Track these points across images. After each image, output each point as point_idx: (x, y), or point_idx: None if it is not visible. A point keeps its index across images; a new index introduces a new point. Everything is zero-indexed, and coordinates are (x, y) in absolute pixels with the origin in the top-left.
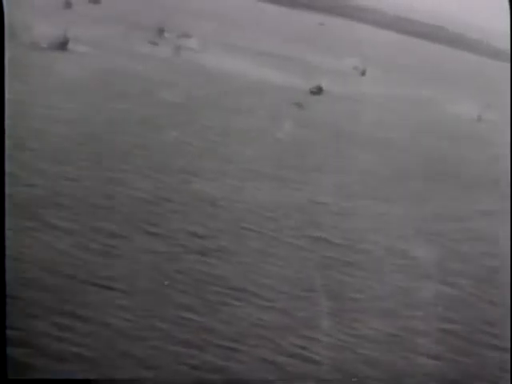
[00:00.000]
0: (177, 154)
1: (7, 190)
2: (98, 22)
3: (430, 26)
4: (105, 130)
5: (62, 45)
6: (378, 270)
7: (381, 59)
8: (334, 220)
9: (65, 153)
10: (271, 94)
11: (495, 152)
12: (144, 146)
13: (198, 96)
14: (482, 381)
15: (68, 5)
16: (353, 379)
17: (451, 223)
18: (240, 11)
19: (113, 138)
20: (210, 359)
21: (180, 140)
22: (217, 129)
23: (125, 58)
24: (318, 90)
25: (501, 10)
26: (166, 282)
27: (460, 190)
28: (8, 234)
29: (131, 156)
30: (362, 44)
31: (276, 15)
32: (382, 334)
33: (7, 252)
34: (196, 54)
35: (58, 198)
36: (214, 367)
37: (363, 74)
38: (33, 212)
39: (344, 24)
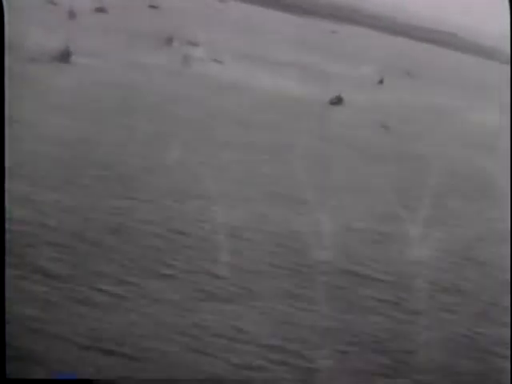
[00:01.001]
0: (192, 176)
1: None
2: (104, 33)
3: (441, 33)
4: (109, 150)
5: (65, 57)
6: (428, 312)
7: (397, 66)
8: (372, 249)
9: (61, 178)
10: (289, 106)
11: None
12: (153, 169)
13: (213, 110)
14: None
15: (72, 15)
16: None
17: (502, 247)
18: (250, 19)
19: (118, 160)
20: None
21: (195, 160)
22: (235, 146)
23: (132, 70)
24: (338, 101)
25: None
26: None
27: (498, 208)
28: None
29: (139, 181)
30: (377, 51)
31: (286, 23)
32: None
33: None
34: (207, 65)
35: (50, 235)
36: None
37: (381, 82)
38: (18, 254)
39: (356, 31)
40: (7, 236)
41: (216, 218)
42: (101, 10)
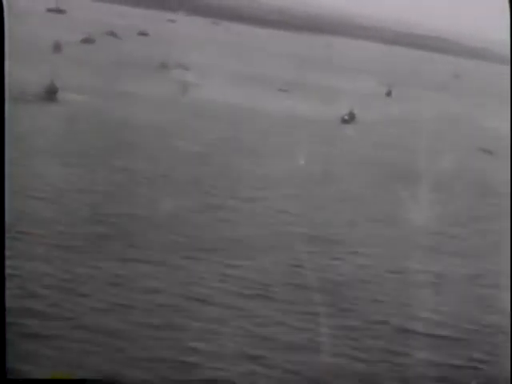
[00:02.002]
0: (209, 226)
1: None
2: (93, 65)
3: (433, 39)
4: (105, 202)
5: (51, 94)
6: None
7: (401, 76)
8: (428, 298)
9: (50, 244)
10: (299, 129)
11: None
12: (157, 221)
13: (218, 141)
14: None
15: (57, 48)
16: None
17: None
18: (244, 40)
19: (115, 213)
20: None
21: (211, 205)
22: (253, 181)
23: (125, 102)
24: (350, 118)
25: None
26: None
27: None
28: None
29: (142, 238)
30: (377, 62)
31: (280, 40)
32: None
33: None
34: (205, 91)
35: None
36: None
37: (389, 94)
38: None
39: (351, 44)
40: None
41: (240, 277)
42: (87, 40)
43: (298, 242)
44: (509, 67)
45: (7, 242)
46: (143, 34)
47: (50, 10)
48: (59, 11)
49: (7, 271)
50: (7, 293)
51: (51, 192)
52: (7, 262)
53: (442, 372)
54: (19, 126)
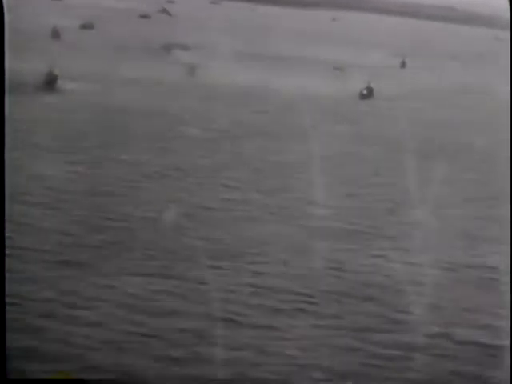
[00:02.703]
0: (230, 225)
1: None
2: (93, 51)
3: (440, 8)
4: (111, 208)
5: (50, 84)
6: None
7: (413, 47)
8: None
9: (53, 259)
10: (316, 107)
11: None
12: (175, 225)
13: (231, 125)
14: None
15: (56, 34)
16: None
17: None
18: (246, 18)
19: (123, 225)
20: None
21: (230, 200)
22: (274, 170)
23: (129, 89)
24: (368, 93)
25: None
26: None
27: None
28: None
29: (155, 246)
30: (386, 34)
31: (282, 17)
32: None
33: None
34: (214, 72)
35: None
36: None
37: (403, 65)
38: None
39: (357, 17)
40: None
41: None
42: (87, 25)
43: (333, 238)
44: None
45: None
46: (144, 16)
47: None
48: None
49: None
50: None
51: (50, 196)
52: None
53: None
54: (14, 120)
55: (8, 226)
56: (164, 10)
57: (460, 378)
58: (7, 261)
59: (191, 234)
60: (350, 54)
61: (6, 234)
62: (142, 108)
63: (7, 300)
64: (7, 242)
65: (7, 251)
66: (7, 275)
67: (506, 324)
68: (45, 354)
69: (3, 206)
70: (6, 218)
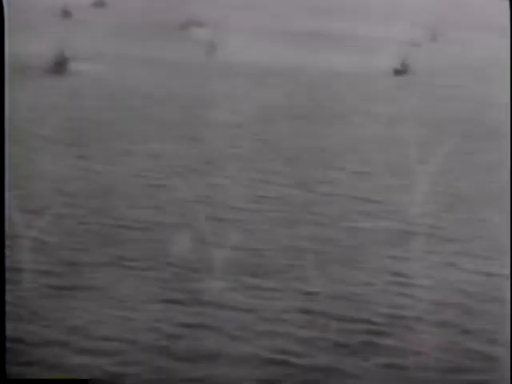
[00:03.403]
0: (274, 232)
1: None
2: (105, 30)
3: None
4: (127, 214)
5: (60, 66)
6: None
7: (442, 19)
8: None
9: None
10: (348, 87)
11: None
12: (208, 232)
13: (258, 108)
14: None
15: (66, 14)
16: None
17: None
18: None
19: (142, 237)
20: None
21: (273, 199)
22: (318, 160)
23: (146, 70)
24: (403, 68)
25: None
26: None
27: None
28: None
29: (183, 265)
30: (411, 6)
31: None
32: None
33: None
34: (231, 49)
35: None
36: None
37: (433, 39)
38: None
39: None
40: None
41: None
42: (99, 4)
43: (388, 243)
44: None
45: None
46: None
47: None
48: None
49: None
50: None
51: (55, 200)
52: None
53: None
54: (18, 109)
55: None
56: None
57: None
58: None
59: (225, 243)
60: (375, 27)
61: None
62: (161, 91)
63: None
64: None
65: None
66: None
67: None
68: None
69: (3, 208)
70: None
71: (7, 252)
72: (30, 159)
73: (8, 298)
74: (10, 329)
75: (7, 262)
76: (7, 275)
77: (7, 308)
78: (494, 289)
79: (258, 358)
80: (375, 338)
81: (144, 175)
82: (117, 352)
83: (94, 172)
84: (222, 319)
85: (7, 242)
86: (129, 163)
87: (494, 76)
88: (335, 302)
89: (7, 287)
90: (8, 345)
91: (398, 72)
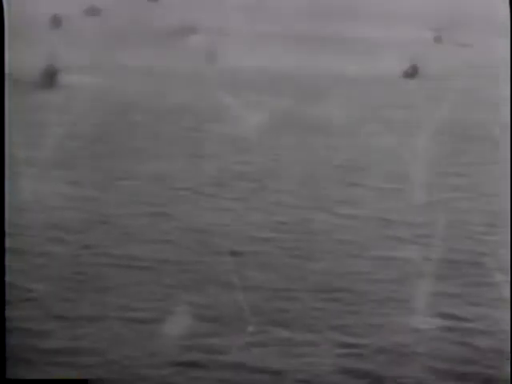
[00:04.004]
0: (294, 278)
1: None
2: (99, 40)
3: None
4: (130, 249)
5: (49, 79)
6: None
7: (446, 21)
8: None
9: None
10: (357, 92)
11: None
12: (227, 270)
13: (265, 118)
14: None
15: (56, 22)
16: None
17: None
18: None
19: (151, 276)
20: None
21: (290, 224)
22: (330, 182)
23: (143, 81)
24: (413, 71)
25: None
26: None
27: None
28: None
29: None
30: (414, 6)
31: None
32: None
33: None
34: (232, 56)
35: None
36: None
37: (439, 40)
38: None
39: None
40: None
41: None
42: (92, 11)
43: (431, 276)
44: None
45: None
46: (153, 0)
47: None
48: None
49: None
50: None
51: (42, 236)
52: None
53: None
54: (10, 126)
55: None
56: None
57: None
58: None
59: (244, 283)
60: (377, 29)
61: None
62: (160, 104)
63: None
64: None
65: None
66: None
67: None
68: None
69: (3, 207)
70: None
71: None
72: (15, 187)
73: None
74: None
75: None
76: None
77: None
78: None
79: None
80: None
81: (145, 201)
82: None
83: (86, 199)
84: None
85: None
86: (127, 188)
87: (505, 77)
88: (384, 357)
89: None
90: None
91: (408, 75)
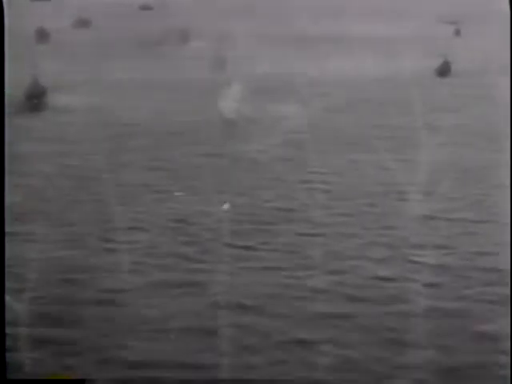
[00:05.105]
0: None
1: None
2: (90, 53)
3: None
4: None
5: (36, 100)
6: None
7: (462, 12)
8: None
9: None
10: (391, 94)
11: None
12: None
13: (286, 135)
14: None
15: (43, 36)
16: None
17: None
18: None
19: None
20: None
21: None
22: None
23: (143, 98)
24: (445, 67)
25: None
26: None
27: None
28: None
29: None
30: (416, 2)
31: None
32: None
33: None
34: (239, 62)
35: None
36: None
37: (458, 33)
38: None
39: None
40: None
41: None
42: (81, 23)
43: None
44: None
45: None
46: (146, 8)
47: None
48: None
49: None
50: None
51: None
52: None
53: None
54: None
55: None
56: None
57: None
58: None
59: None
60: (389, 26)
61: None
62: (166, 125)
63: None
64: None
65: None
66: None
67: None
68: None
69: (3, 207)
70: None
71: None
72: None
73: None
74: None
75: None
76: None
77: None
78: None
79: None
80: None
81: (136, 250)
82: None
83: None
84: None
85: None
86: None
87: None
88: None
89: None
90: None
91: (441, 73)
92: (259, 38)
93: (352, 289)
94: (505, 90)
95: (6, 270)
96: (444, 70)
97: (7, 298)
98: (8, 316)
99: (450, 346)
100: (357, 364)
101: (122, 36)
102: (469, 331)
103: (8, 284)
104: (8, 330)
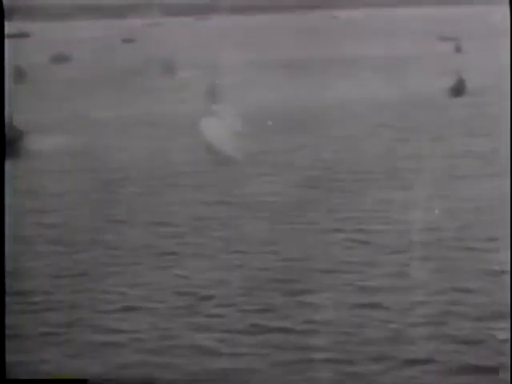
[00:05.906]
0: None
1: None
2: (70, 90)
3: None
4: None
5: (12, 144)
6: None
7: (461, 29)
8: None
9: None
10: (406, 119)
11: None
12: None
13: (312, 168)
14: None
15: (19, 75)
16: None
17: None
18: (242, 26)
19: None
20: None
21: None
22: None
23: (132, 138)
24: (460, 86)
25: None
26: None
27: None
28: None
29: None
30: (422, 20)
31: (281, 22)
32: None
33: None
34: (232, 90)
35: None
36: None
37: (459, 50)
38: None
39: (356, 14)
40: None
41: None
42: (61, 58)
43: None
44: None
45: None
46: (128, 40)
47: (9, 36)
48: (22, 35)
49: None
50: None
51: None
52: None
53: None
54: None
55: None
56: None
57: None
58: None
59: None
60: (389, 46)
61: None
62: (156, 168)
63: None
64: None
65: None
66: None
67: None
68: None
69: (3, 207)
70: None
71: None
72: None
73: None
74: None
75: None
76: None
77: None
78: None
79: None
80: None
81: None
82: None
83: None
84: None
85: None
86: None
87: None
88: None
89: None
90: None
91: (456, 92)
92: (245, 64)
93: None
94: None
95: None
96: (459, 89)
97: None
98: None
99: None
100: None
101: (104, 70)
102: None
103: None
104: None
